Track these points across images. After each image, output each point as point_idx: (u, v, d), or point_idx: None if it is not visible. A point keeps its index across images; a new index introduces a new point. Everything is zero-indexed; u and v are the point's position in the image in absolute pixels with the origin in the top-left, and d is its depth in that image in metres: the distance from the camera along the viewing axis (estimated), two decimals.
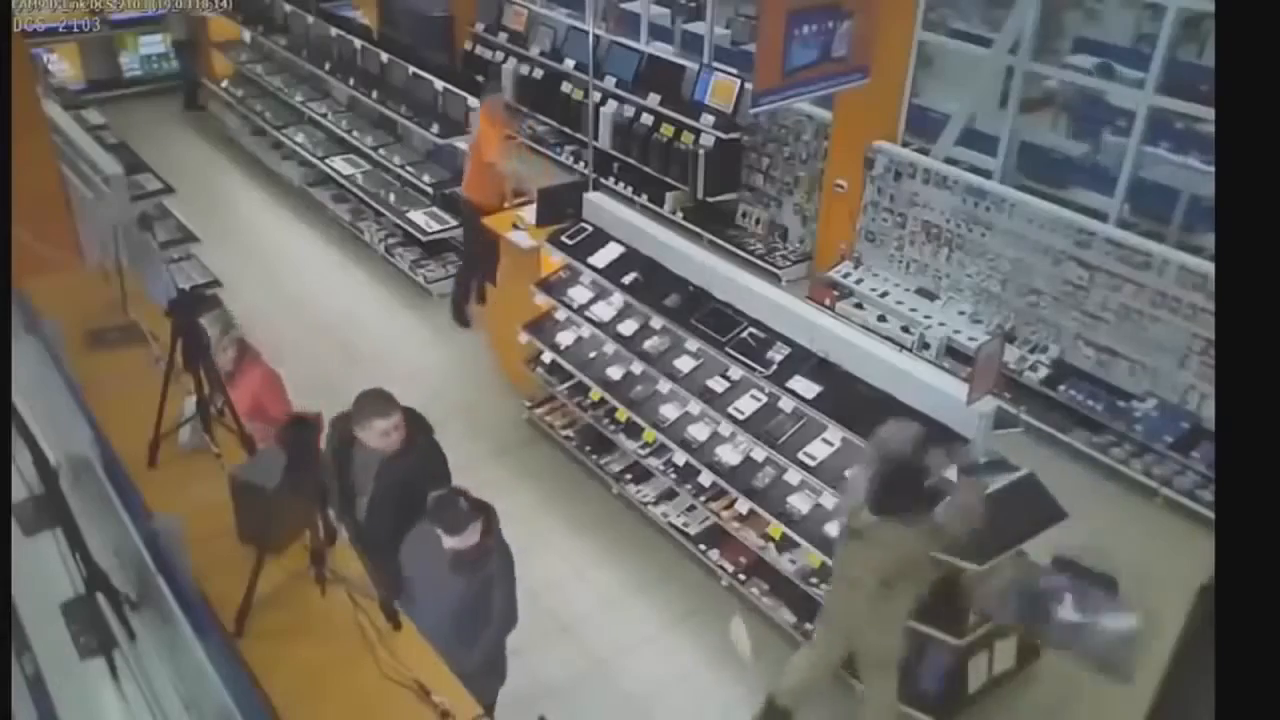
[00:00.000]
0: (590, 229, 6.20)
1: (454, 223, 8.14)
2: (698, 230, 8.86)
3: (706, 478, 5.31)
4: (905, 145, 7.69)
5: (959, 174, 7.21)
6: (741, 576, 5.27)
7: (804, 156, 8.42)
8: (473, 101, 7.99)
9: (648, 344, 5.69)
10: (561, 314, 6.17)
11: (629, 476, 5.94)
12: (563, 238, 6.23)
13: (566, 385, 6.25)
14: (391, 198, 8.55)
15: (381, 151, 8.90)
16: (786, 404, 5.02)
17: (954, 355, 6.99)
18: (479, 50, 11.38)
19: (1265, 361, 1.77)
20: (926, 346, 7.05)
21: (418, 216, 8.23)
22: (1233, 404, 1.84)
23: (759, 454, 5.09)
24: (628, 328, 5.82)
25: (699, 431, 5.43)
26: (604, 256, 6.03)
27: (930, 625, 4.36)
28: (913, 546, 3.76)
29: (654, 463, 5.74)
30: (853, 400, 4.76)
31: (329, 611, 3.22)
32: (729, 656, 4.99)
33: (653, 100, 9.08)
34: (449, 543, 3.53)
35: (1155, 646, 2.42)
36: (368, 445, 3.88)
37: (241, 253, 8.44)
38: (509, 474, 6.19)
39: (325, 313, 7.86)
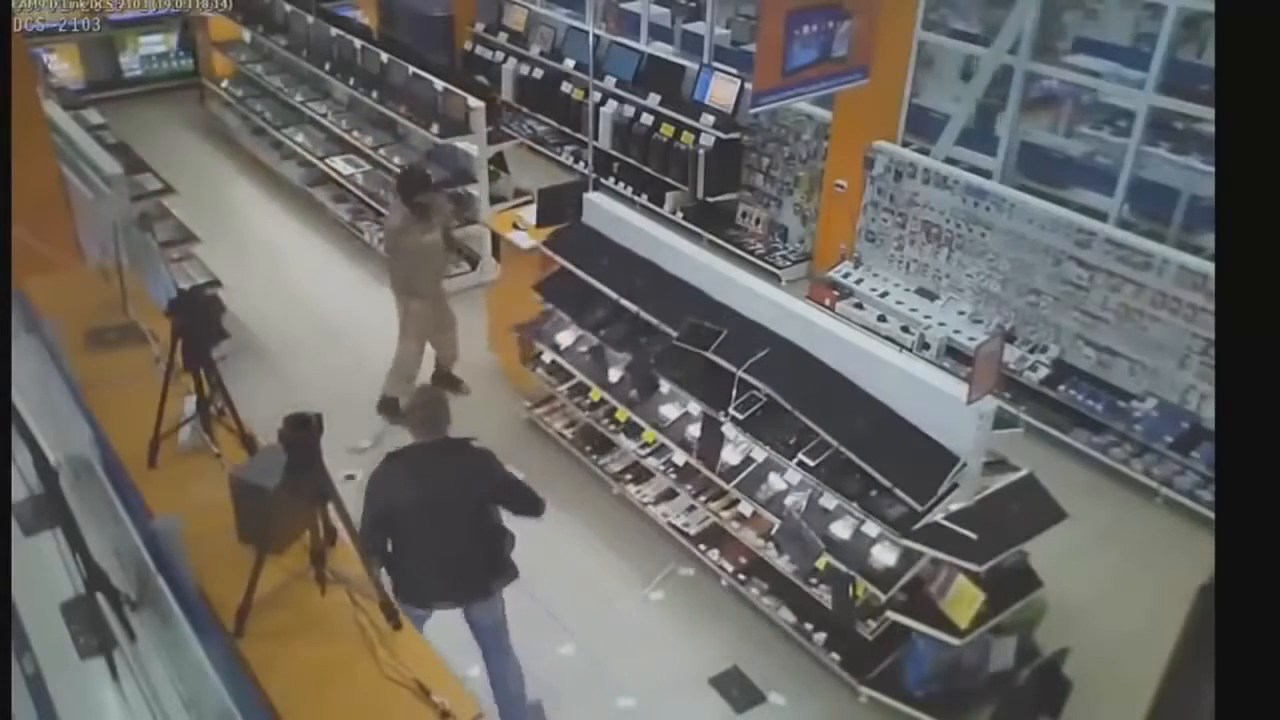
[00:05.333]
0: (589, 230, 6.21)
1: (454, 223, 8.13)
2: (698, 230, 8.87)
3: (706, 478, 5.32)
4: (905, 145, 7.69)
5: (959, 174, 7.21)
6: (741, 576, 5.27)
7: (804, 156, 8.42)
8: (474, 102, 7.99)
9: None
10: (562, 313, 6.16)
11: (629, 476, 5.94)
12: (560, 239, 6.23)
13: (566, 385, 6.25)
14: (391, 198, 8.54)
15: (381, 151, 8.90)
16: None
17: (954, 355, 6.98)
18: (479, 50, 11.39)
19: (1265, 361, 1.77)
20: (926, 346, 7.05)
21: None
22: (1233, 404, 1.84)
23: (759, 454, 5.09)
24: None
25: (699, 431, 5.43)
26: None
27: (929, 625, 4.37)
28: (418, 237, 6.15)
29: (654, 463, 5.74)
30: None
31: (329, 611, 3.22)
32: (727, 657, 5.00)
33: (653, 100, 9.08)
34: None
35: (1155, 646, 2.42)
36: None
37: (241, 253, 8.44)
38: None
39: (325, 313, 7.86)
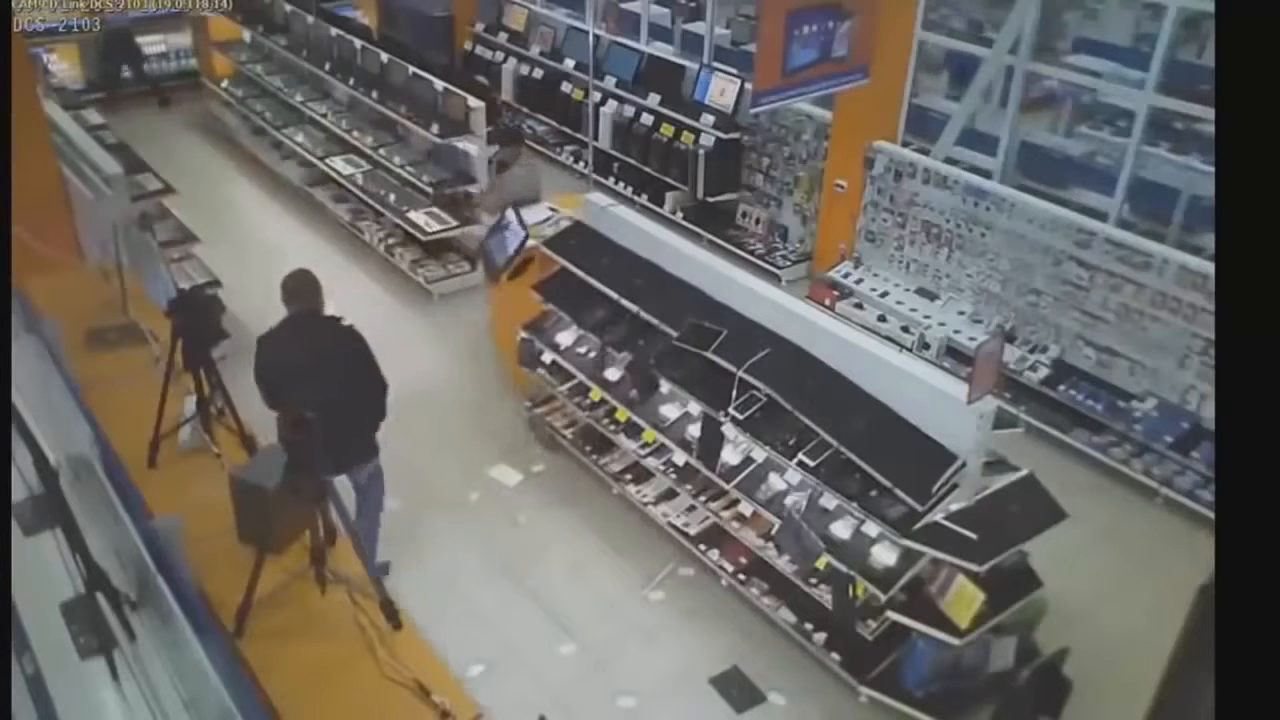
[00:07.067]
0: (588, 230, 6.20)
1: (454, 223, 8.15)
2: (698, 230, 8.87)
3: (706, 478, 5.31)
4: (905, 145, 7.69)
5: (959, 174, 7.21)
6: (741, 576, 5.27)
7: (804, 156, 8.42)
8: (474, 102, 7.99)
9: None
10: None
11: (629, 476, 5.94)
12: (560, 239, 6.23)
13: (567, 385, 6.25)
14: (391, 198, 8.54)
15: (381, 151, 8.90)
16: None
17: (954, 355, 6.99)
18: (479, 50, 11.40)
19: (1265, 361, 1.77)
20: (926, 346, 7.05)
21: (418, 216, 8.23)
22: (1233, 404, 1.84)
23: (759, 454, 5.09)
24: None
25: (699, 431, 5.42)
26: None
27: (929, 625, 4.37)
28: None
29: (654, 463, 5.74)
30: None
31: (329, 611, 3.23)
32: (727, 657, 5.00)
33: (653, 100, 9.08)
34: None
35: (1155, 646, 2.42)
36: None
37: (241, 253, 8.43)
38: (509, 473, 6.19)
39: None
